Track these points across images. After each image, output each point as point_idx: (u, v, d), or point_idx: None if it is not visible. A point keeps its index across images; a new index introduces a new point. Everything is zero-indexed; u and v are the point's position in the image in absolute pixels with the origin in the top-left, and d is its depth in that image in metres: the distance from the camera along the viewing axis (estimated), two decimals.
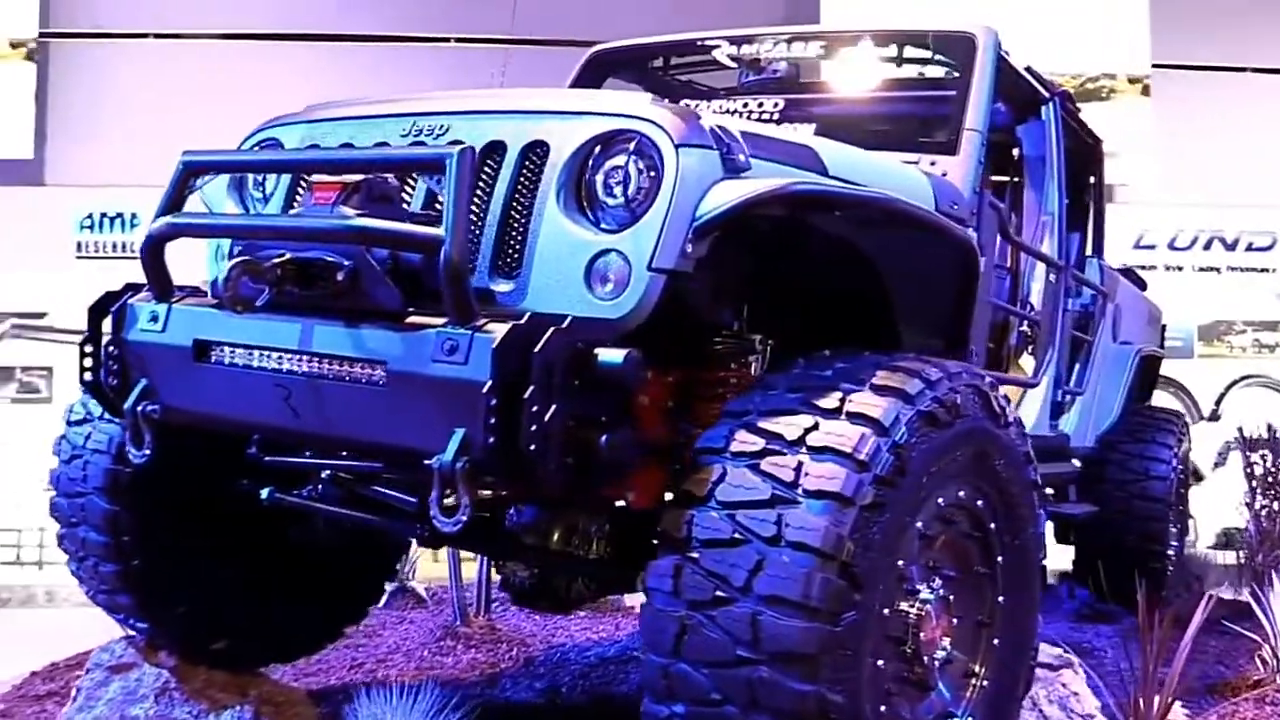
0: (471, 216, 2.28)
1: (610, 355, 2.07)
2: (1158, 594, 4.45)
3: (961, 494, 2.38)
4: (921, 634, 2.29)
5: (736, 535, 2.03)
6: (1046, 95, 4.07)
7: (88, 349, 2.61)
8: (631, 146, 2.25)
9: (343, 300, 2.26)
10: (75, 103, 7.28)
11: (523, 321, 2.06)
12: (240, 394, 2.39)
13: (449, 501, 2.08)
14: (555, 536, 2.76)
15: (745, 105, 3.65)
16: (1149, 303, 5.68)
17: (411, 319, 2.19)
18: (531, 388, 1.99)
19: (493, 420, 2.00)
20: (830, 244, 2.62)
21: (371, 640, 4.15)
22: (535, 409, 2.00)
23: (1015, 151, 4.32)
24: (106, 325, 2.59)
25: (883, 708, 2.15)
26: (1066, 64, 7.04)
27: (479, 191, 2.35)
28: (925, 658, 2.31)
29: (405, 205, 2.42)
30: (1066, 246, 4.09)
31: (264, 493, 2.80)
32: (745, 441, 2.13)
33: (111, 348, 2.56)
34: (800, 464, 2.06)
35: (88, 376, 2.62)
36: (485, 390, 2.01)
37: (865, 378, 2.22)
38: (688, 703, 2.03)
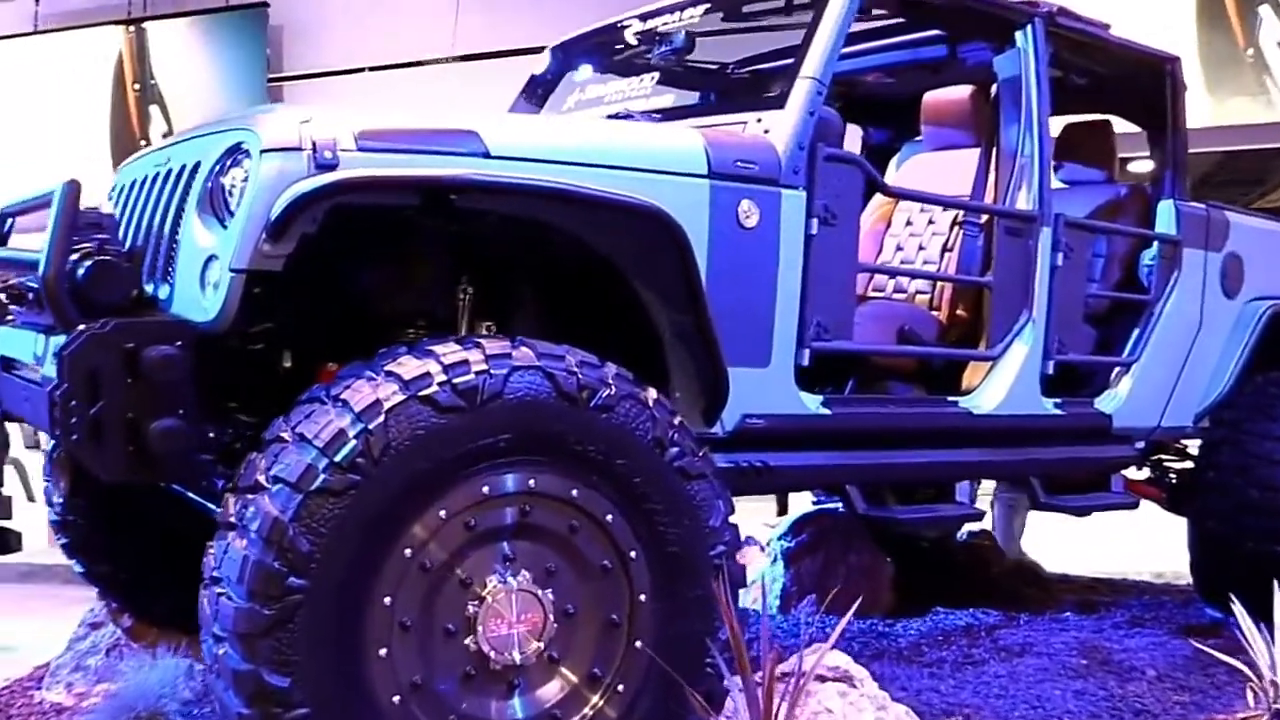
0: (160, 231, 2.58)
1: (150, 353, 2.25)
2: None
3: (532, 482, 2.24)
4: (483, 629, 2.21)
5: (231, 519, 2.13)
6: (1018, 19, 3.48)
7: None
8: (238, 155, 2.41)
9: (43, 318, 2.64)
10: None
11: (93, 328, 2.29)
12: (18, 397, 2.86)
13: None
14: None
15: (629, 84, 3.56)
16: None
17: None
18: (65, 385, 2.23)
19: (57, 414, 2.27)
20: (532, 230, 2.57)
21: None
22: (74, 403, 2.23)
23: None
24: None
25: (396, 698, 2.12)
26: None
27: (163, 210, 2.62)
28: (497, 654, 2.22)
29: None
30: (1047, 195, 3.46)
31: None
32: (273, 429, 2.20)
33: None
34: (282, 450, 2.11)
35: None
36: (49, 389, 2.28)
37: (387, 363, 2.19)
38: (209, 673, 2.16)
